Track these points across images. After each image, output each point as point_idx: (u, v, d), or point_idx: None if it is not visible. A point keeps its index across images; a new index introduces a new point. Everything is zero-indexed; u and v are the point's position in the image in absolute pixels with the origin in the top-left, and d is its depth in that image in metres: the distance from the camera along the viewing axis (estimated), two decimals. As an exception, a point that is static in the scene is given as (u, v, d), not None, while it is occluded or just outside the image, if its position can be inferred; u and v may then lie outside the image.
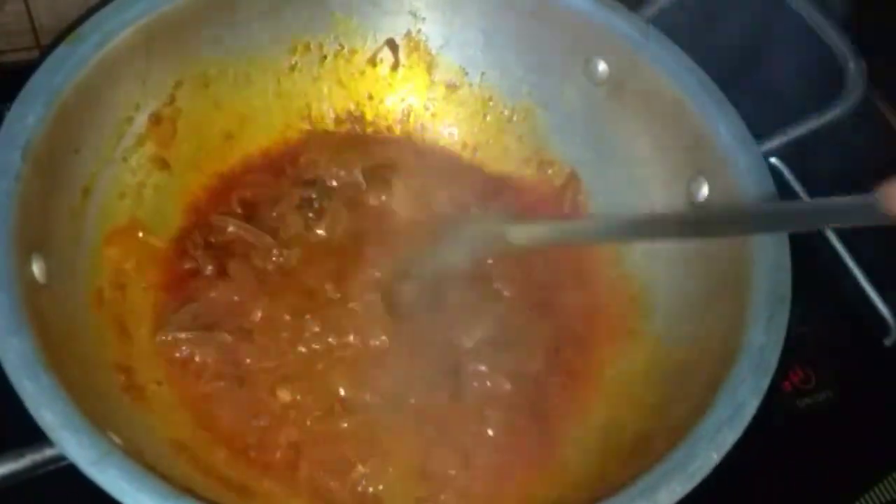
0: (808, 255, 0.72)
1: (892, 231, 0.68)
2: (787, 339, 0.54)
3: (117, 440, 0.47)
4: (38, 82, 0.57)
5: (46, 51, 0.59)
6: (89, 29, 0.60)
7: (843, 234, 0.75)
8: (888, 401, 0.67)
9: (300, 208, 0.69)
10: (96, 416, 0.47)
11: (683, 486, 0.48)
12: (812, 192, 0.75)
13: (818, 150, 0.68)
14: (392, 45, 0.75)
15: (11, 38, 0.78)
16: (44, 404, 0.45)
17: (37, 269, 0.53)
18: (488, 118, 0.76)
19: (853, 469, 0.67)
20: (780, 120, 0.65)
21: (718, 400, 0.52)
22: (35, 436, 0.46)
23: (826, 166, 0.72)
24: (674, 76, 0.67)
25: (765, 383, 0.52)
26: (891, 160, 0.71)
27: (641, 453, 0.54)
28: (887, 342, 0.70)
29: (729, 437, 0.50)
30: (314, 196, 0.70)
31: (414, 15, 0.74)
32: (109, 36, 0.60)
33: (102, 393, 0.53)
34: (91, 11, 0.62)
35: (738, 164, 0.63)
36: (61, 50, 0.59)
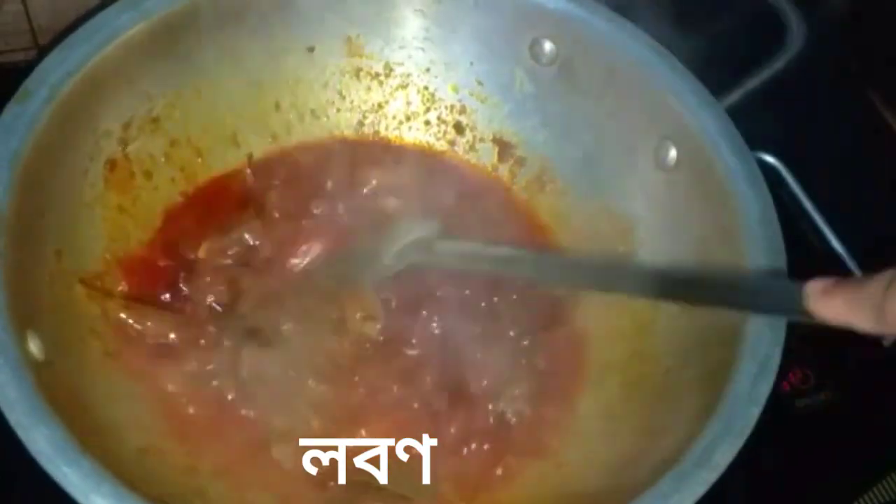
0: (806, 254, 0.74)
1: (891, 231, 0.71)
2: (786, 339, 0.53)
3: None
4: (-4, 148, 0.53)
5: (44, 51, 0.58)
6: (36, 83, 0.56)
7: (842, 234, 0.75)
8: (887, 401, 0.66)
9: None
10: (148, 489, 0.45)
11: (734, 446, 0.50)
12: (810, 192, 0.76)
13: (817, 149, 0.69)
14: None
15: (9, 38, 0.77)
16: (92, 489, 0.43)
17: (34, 347, 0.50)
18: (440, 112, 0.76)
19: (852, 469, 0.67)
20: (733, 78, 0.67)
21: (742, 356, 0.53)
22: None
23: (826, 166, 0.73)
24: (621, 46, 0.68)
25: (781, 336, 0.53)
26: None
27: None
28: (886, 342, 0.70)
29: (763, 388, 0.52)
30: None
31: (350, 21, 0.72)
32: (57, 88, 0.57)
33: (142, 461, 0.51)
34: (90, 12, 0.60)
35: (703, 122, 0.64)
36: (11, 109, 0.55)
